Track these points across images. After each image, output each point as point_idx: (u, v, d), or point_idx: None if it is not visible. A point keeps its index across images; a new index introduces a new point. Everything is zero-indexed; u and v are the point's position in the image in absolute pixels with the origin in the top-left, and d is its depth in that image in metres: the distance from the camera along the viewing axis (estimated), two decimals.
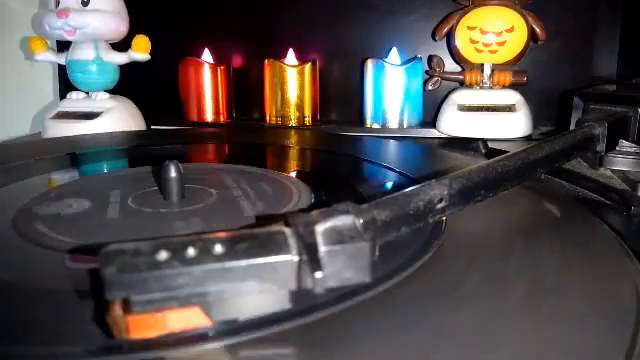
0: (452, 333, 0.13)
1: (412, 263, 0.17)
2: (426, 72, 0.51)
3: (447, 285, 0.16)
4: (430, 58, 0.51)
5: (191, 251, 0.12)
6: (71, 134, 0.44)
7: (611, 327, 0.13)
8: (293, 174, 0.32)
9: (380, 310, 0.14)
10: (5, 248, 0.20)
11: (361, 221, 0.14)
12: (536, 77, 0.49)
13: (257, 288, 0.12)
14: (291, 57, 0.52)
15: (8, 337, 0.13)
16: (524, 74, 0.46)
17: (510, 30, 0.45)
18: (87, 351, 0.12)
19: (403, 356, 0.12)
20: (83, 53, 0.47)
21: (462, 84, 0.49)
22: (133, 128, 0.48)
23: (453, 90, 0.48)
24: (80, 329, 0.13)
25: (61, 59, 0.49)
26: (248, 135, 0.48)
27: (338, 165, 0.35)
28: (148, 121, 0.51)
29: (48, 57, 0.49)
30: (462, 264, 0.18)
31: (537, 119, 0.48)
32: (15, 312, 0.15)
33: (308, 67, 0.50)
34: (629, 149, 0.31)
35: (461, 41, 0.47)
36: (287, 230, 0.13)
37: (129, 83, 0.50)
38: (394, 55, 0.50)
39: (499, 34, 0.45)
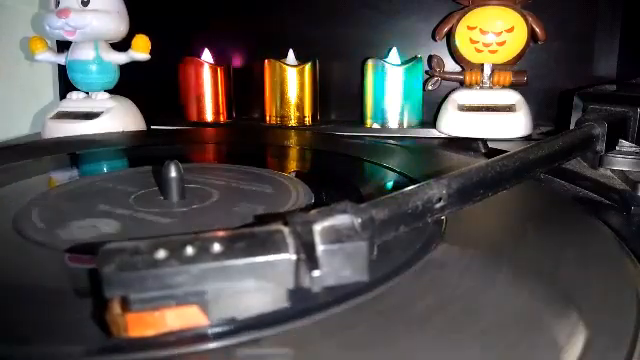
0: (452, 333, 0.13)
1: (411, 263, 0.17)
2: (426, 72, 0.51)
3: (447, 285, 0.16)
4: (430, 58, 0.51)
5: (189, 250, 0.12)
6: (71, 134, 0.44)
7: (611, 327, 0.13)
8: (293, 174, 0.32)
9: (379, 311, 0.14)
10: (5, 248, 0.20)
11: (359, 220, 0.14)
12: (536, 77, 0.49)
13: (255, 287, 0.12)
14: (291, 57, 0.51)
15: (8, 337, 0.13)
16: (524, 74, 0.46)
17: (510, 30, 0.45)
18: (86, 350, 0.12)
19: (402, 356, 0.12)
20: (83, 53, 0.47)
21: (462, 84, 0.49)
22: (133, 128, 0.48)
23: (453, 90, 0.48)
24: (79, 328, 0.13)
25: (61, 59, 0.49)
26: (248, 135, 0.48)
27: (338, 165, 0.35)
28: (148, 121, 0.51)
29: (48, 57, 0.49)
30: (461, 264, 0.18)
31: (537, 119, 0.48)
32: (15, 312, 0.15)
33: (308, 67, 0.50)
34: (629, 149, 0.31)
35: (461, 41, 0.47)
36: (285, 229, 0.13)
37: (129, 83, 0.50)
38: (394, 55, 0.50)
39: (499, 34, 0.45)
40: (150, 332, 0.12)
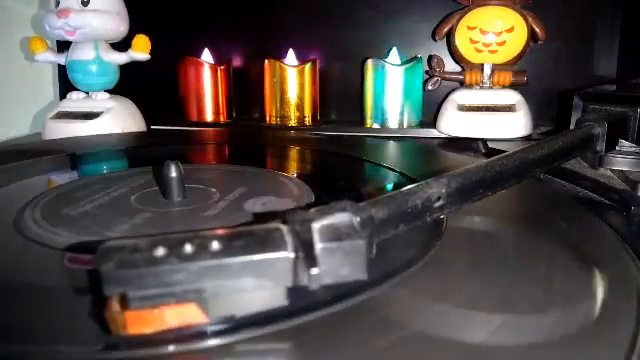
0: (452, 333, 0.13)
1: (412, 263, 0.17)
2: (426, 72, 0.51)
3: (447, 285, 0.16)
4: (430, 58, 0.51)
5: (188, 247, 0.12)
6: (71, 134, 0.44)
7: (611, 327, 0.13)
8: (293, 174, 0.32)
9: (379, 310, 0.14)
10: (5, 248, 0.20)
11: (358, 219, 0.14)
12: (536, 77, 0.49)
13: (253, 285, 0.12)
14: (291, 57, 0.52)
15: (8, 337, 0.13)
16: (524, 74, 0.46)
17: (510, 30, 0.45)
18: (86, 349, 0.12)
19: (402, 356, 0.12)
20: (83, 53, 0.47)
21: (462, 84, 0.49)
22: (133, 128, 0.48)
23: (453, 90, 0.48)
24: (78, 326, 0.13)
25: (61, 59, 0.49)
26: (248, 135, 0.48)
27: (338, 165, 0.35)
28: (148, 121, 0.51)
29: (48, 57, 0.49)
30: (462, 264, 0.18)
31: (537, 119, 0.48)
32: (15, 312, 0.15)
33: (308, 67, 0.51)
34: (629, 149, 0.31)
35: (461, 41, 0.47)
36: (284, 227, 0.13)
37: (129, 83, 0.50)
38: (394, 55, 0.50)
39: (499, 34, 0.45)
40: (149, 329, 0.12)
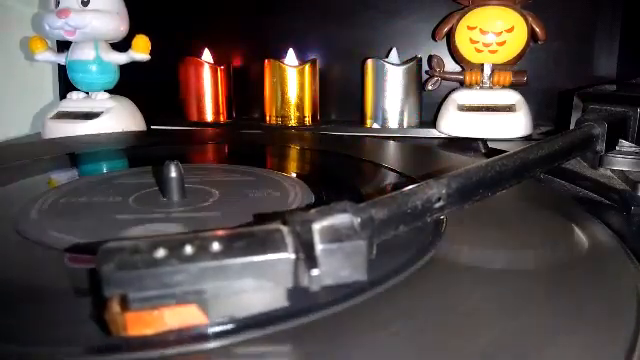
0: (452, 334, 0.13)
1: (412, 264, 0.17)
2: (426, 72, 0.51)
3: (447, 286, 0.16)
4: (430, 58, 0.51)
5: (188, 249, 0.12)
6: (71, 134, 0.44)
7: (611, 327, 0.13)
8: (293, 174, 0.32)
9: (380, 310, 0.14)
10: (5, 248, 0.20)
11: (358, 220, 0.14)
12: (536, 77, 0.49)
13: (254, 286, 0.12)
14: (291, 57, 0.52)
15: (8, 337, 0.13)
16: (524, 74, 0.46)
17: (510, 30, 0.45)
18: (86, 350, 0.12)
19: (403, 357, 0.12)
20: (83, 53, 0.47)
21: (462, 84, 0.49)
22: (133, 128, 0.48)
23: (453, 90, 0.48)
24: (78, 327, 0.13)
25: (61, 59, 0.49)
26: (248, 135, 0.48)
27: (338, 165, 0.35)
28: (148, 121, 0.51)
29: (48, 57, 0.49)
30: (462, 264, 0.18)
31: (537, 119, 0.48)
32: (15, 312, 0.15)
33: (308, 67, 0.51)
34: (629, 149, 0.31)
35: (461, 41, 0.47)
36: (284, 228, 0.13)
37: (129, 83, 0.50)
38: (394, 55, 0.50)
39: (499, 34, 0.45)
40: (149, 331, 0.12)
